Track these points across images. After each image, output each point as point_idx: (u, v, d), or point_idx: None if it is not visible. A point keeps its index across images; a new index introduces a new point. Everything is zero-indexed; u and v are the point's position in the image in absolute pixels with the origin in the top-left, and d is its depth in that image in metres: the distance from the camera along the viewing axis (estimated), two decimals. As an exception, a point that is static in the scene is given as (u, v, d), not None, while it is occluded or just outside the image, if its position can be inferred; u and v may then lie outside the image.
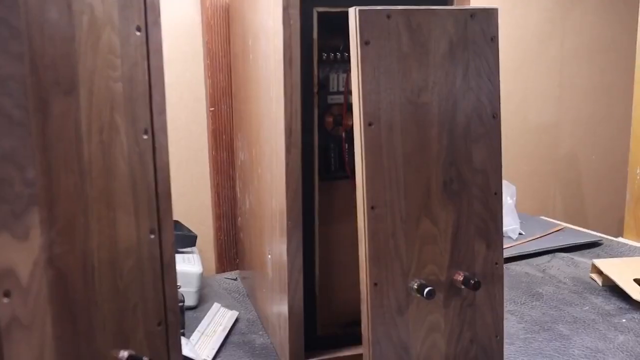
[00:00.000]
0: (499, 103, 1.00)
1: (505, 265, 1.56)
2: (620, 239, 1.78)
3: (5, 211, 0.61)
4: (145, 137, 0.77)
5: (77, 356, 0.71)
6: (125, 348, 0.77)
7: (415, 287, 0.96)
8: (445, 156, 0.98)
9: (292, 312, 1.02)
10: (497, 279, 1.03)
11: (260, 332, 1.22)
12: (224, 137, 1.53)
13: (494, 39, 0.98)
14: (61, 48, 0.66)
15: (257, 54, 1.13)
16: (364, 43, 0.91)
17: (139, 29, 0.74)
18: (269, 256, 1.12)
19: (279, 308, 1.07)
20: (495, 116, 1.01)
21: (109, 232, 0.74)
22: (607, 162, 2.25)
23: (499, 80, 1.00)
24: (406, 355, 0.99)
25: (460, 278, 0.98)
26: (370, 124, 0.93)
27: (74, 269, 0.70)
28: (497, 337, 1.04)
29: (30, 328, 0.65)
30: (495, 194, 1.02)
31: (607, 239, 1.78)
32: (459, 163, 0.99)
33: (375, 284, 0.95)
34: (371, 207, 0.94)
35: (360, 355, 1.06)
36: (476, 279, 0.98)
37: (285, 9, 0.92)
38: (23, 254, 0.63)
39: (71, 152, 0.68)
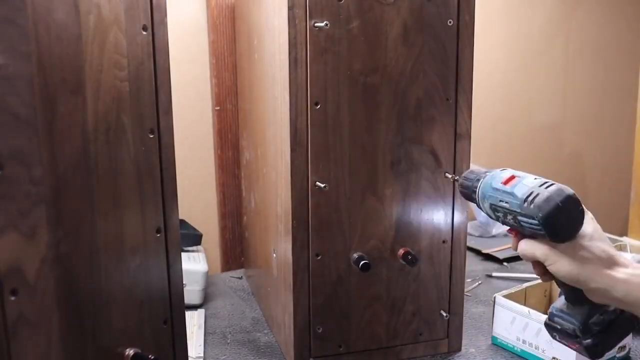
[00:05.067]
0: (455, 86, 1.02)
1: (510, 265, 1.57)
2: (624, 239, 1.77)
3: (12, 209, 0.61)
4: (151, 136, 0.77)
5: (84, 354, 0.72)
6: (131, 346, 0.77)
7: (354, 260, 1.02)
8: (393, 136, 1.01)
9: (297, 311, 1.02)
10: (444, 257, 1.08)
11: (265, 331, 1.22)
12: (229, 136, 1.53)
13: (452, 23, 0.99)
14: (68, 47, 0.66)
15: (263, 53, 1.13)
16: (313, 25, 0.93)
17: (145, 29, 0.75)
18: (274, 255, 1.12)
19: (284, 306, 1.07)
20: (449, 99, 1.02)
21: (115, 231, 0.74)
22: (612, 161, 2.24)
23: (456, 64, 1.02)
24: (347, 323, 1.05)
25: (401, 253, 1.04)
26: (316, 104, 0.96)
27: (81, 267, 0.70)
28: (443, 312, 1.09)
29: (37, 326, 0.65)
30: (446, 176, 1.04)
31: (611, 238, 1.77)
32: (408, 144, 1.02)
33: (317, 255, 1.01)
34: (315, 184, 0.98)
35: (365, 353, 1.07)
36: (412, 255, 1.02)
37: (291, 8, 0.92)
38: (30, 252, 0.63)
39: (78, 151, 0.68)
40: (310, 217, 0.99)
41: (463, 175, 0.82)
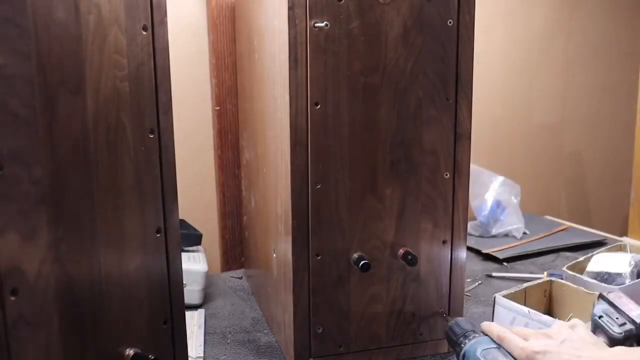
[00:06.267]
0: (455, 86, 1.02)
1: (509, 265, 1.57)
2: (624, 239, 1.77)
3: (13, 210, 0.61)
4: (151, 136, 0.77)
5: (83, 354, 0.72)
6: (131, 346, 0.77)
7: (353, 260, 1.02)
8: (393, 136, 1.01)
9: (297, 311, 1.02)
10: (444, 257, 1.08)
11: (265, 331, 1.22)
12: (229, 136, 1.53)
13: (452, 23, 1.00)
14: (68, 47, 0.66)
15: (263, 53, 1.13)
16: (313, 25, 0.93)
17: (145, 29, 0.75)
18: (274, 255, 1.12)
19: (284, 307, 1.07)
20: (449, 99, 1.02)
21: (115, 231, 0.74)
22: (612, 161, 2.24)
23: (456, 64, 1.02)
24: (347, 323, 1.05)
25: (401, 253, 1.03)
26: (316, 104, 0.96)
27: (81, 267, 0.70)
28: (442, 313, 1.09)
29: (36, 326, 0.65)
30: (447, 175, 1.04)
31: (611, 238, 1.77)
32: (408, 144, 1.02)
33: (317, 255, 1.01)
34: (315, 184, 0.98)
35: (365, 353, 1.07)
36: (412, 255, 1.02)
37: (291, 8, 0.92)
38: (30, 253, 0.63)
39: (78, 151, 0.68)
40: (310, 217, 0.99)
41: (454, 320, 0.88)
